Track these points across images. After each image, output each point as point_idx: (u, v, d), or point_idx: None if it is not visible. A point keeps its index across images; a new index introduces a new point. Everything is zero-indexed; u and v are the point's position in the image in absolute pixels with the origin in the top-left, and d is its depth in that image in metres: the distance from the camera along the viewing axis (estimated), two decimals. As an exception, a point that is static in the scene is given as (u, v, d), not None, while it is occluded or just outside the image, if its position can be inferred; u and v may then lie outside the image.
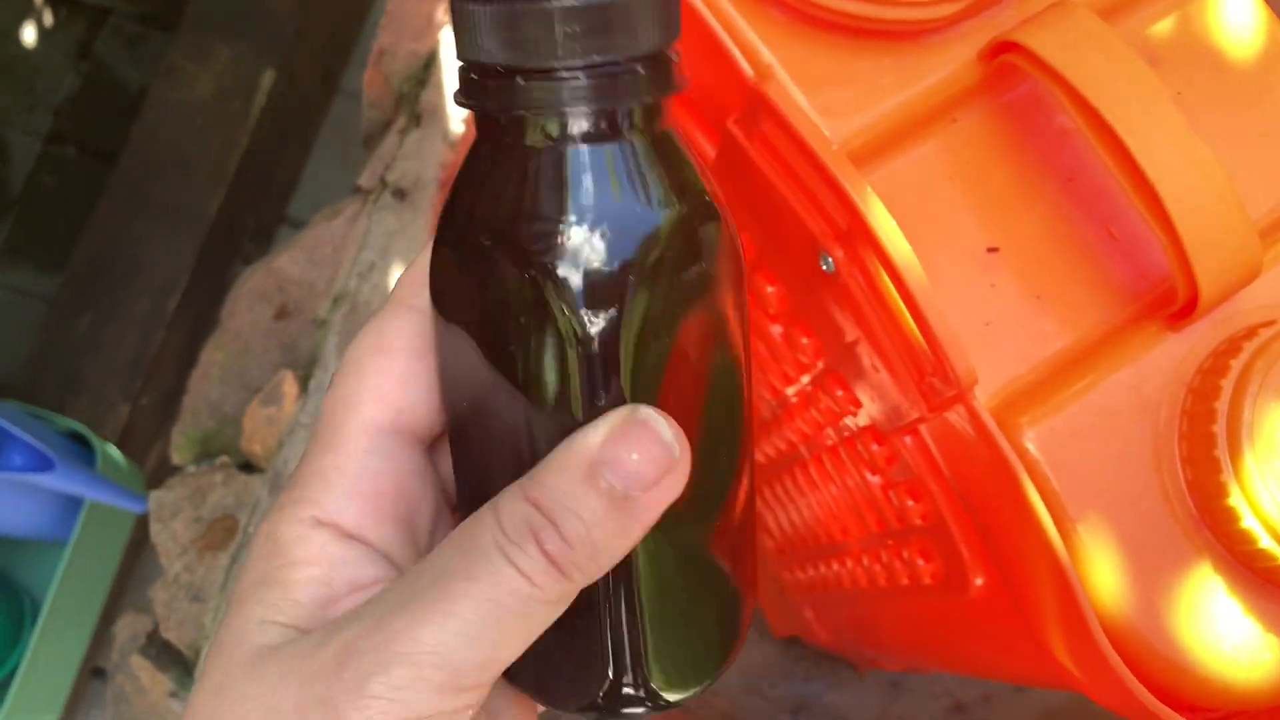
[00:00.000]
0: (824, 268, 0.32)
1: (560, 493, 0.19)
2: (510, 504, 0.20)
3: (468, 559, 0.19)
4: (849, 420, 0.39)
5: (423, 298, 0.22)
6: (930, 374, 0.31)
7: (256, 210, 1.13)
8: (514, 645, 0.20)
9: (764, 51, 0.33)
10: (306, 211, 1.21)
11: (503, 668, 0.20)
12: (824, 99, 0.33)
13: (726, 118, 0.34)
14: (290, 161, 1.17)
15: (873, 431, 0.38)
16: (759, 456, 0.53)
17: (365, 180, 0.52)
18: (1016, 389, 0.33)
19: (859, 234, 0.30)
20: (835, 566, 0.50)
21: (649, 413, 0.20)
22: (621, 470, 0.19)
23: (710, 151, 0.37)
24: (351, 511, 0.22)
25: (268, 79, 1.08)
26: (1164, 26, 0.36)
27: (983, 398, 0.32)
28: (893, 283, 0.30)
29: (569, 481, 0.19)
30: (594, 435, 0.19)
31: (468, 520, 0.20)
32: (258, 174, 1.10)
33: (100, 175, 1.11)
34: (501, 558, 0.19)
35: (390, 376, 0.22)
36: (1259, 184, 0.35)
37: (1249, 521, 0.30)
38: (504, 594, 0.19)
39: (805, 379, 0.41)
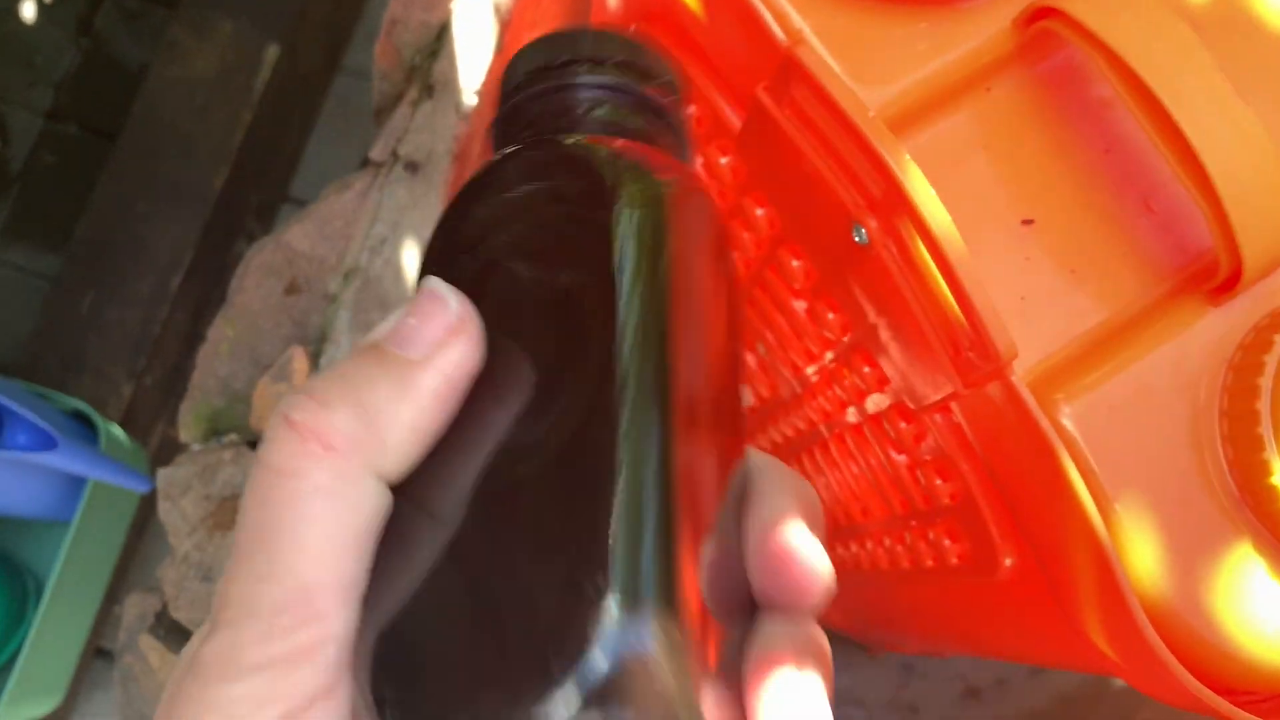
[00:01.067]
0: (856, 239, 0.32)
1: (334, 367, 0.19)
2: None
3: None
4: (875, 397, 0.38)
5: None
6: (967, 348, 0.30)
7: (260, 188, 1.12)
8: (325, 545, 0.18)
9: (795, 17, 0.32)
10: (309, 189, 1.20)
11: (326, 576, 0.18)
12: (856, 66, 0.33)
13: (754, 86, 0.33)
14: (293, 139, 1.16)
15: (900, 409, 0.37)
16: (776, 437, 0.52)
17: (376, 153, 0.51)
18: (1052, 364, 0.32)
19: (896, 203, 0.29)
20: (854, 548, 0.49)
21: (434, 281, 0.20)
22: (399, 335, 0.19)
23: (736, 122, 0.37)
24: None
25: (271, 55, 1.07)
26: (1203, -6, 0.35)
27: (1019, 373, 0.31)
28: (931, 253, 0.29)
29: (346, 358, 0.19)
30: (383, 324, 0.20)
31: None
32: (261, 151, 1.09)
33: (102, 152, 1.09)
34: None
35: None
36: (1300, 156, 0.34)
37: (1293, 500, 0.29)
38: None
39: (830, 355, 0.40)
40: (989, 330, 0.28)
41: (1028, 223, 0.33)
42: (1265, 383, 0.30)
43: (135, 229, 1.05)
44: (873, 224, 0.31)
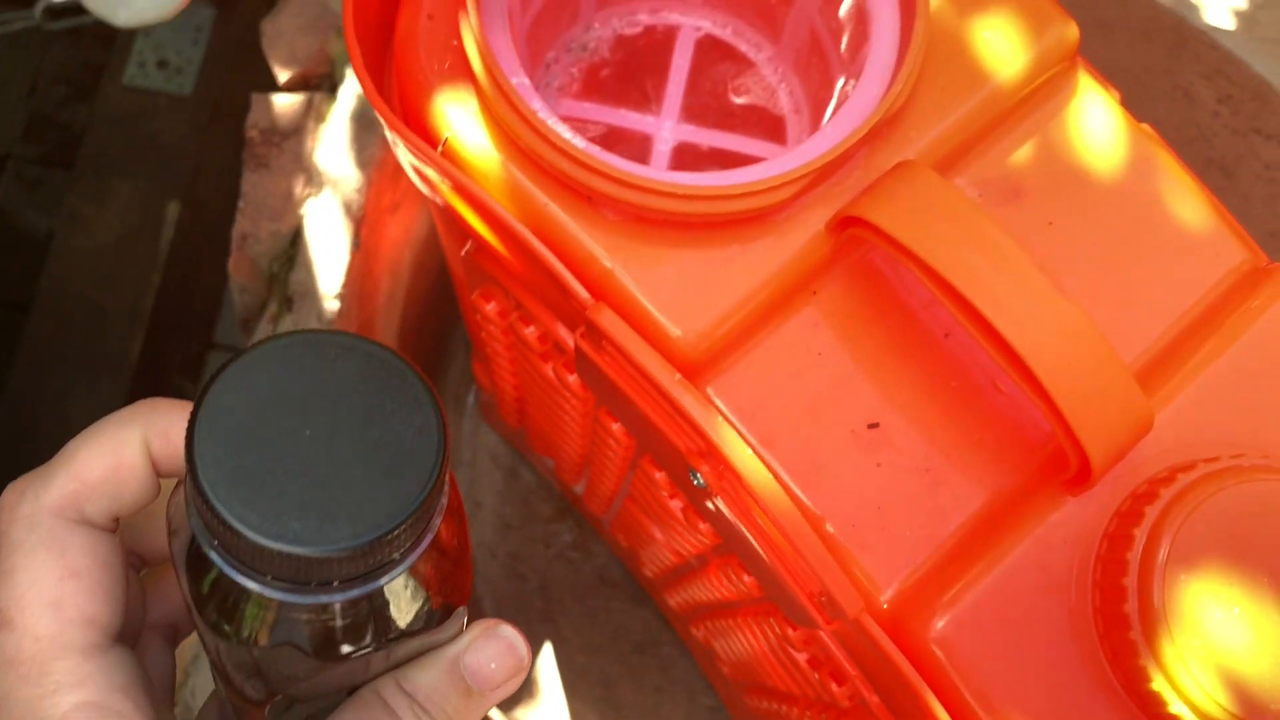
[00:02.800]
0: (695, 482, 0.30)
1: (431, 689, 0.23)
2: (393, 694, 0.23)
3: None
4: (758, 601, 0.37)
5: (80, 511, 0.23)
6: (818, 594, 0.29)
7: (182, 344, 1.11)
8: None
9: (603, 258, 0.31)
10: (234, 333, 1.18)
11: None
12: (673, 295, 0.31)
13: (575, 327, 0.32)
14: (209, 286, 1.14)
15: (785, 615, 0.36)
16: (694, 598, 0.50)
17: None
18: (918, 578, 0.31)
19: (716, 460, 0.28)
20: (785, 709, 0.48)
21: (508, 629, 0.24)
22: (480, 675, 0.24)
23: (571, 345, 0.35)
24: None
25: (172, 212, 1.06)
26: (1025, 153, 0.35)
27: (884, 592, 0.30)
28: (761, 512, 0.27)
29: (438, 678, 0.23)
30: (458, 645, 0.24)
31: (356, 707, 0.23)
32: (175, 310, 1.07)
33: (17, 328, 1.08)
34: None
35: (90, 599, 0.23)
36: (1145, 307, 0.34)
37: (1176, 706, 0.28)
38: None
39: (711, 556, 0.39)
40: (831, 589, 0.27)
41: (873, 426, 0.32)
42: (1131, 583, 0.29)
43: (57, 406, 1.03)
44: (705, 469, 0.30)
